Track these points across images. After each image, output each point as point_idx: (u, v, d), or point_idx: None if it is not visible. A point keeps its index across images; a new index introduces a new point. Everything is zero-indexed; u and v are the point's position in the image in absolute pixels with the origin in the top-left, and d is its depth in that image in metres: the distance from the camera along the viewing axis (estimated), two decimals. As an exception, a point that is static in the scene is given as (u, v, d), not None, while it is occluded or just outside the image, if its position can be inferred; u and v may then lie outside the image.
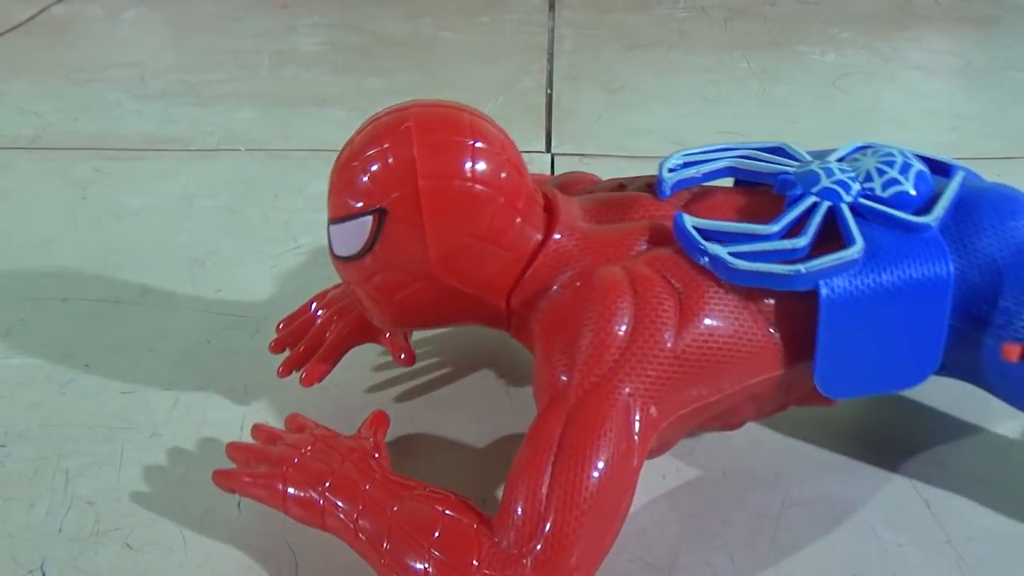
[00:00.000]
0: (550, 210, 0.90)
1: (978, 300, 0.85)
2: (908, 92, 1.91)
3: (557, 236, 0.87)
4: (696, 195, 0.94)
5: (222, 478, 0.84)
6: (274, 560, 0.86)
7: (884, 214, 0.85)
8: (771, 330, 0.83)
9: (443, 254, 0.83)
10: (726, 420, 0.92)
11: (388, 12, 2.43)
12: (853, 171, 0.88)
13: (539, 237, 0.87)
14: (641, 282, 0.82)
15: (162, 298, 1.24)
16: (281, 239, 1.38)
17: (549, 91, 1.92)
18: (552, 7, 2.46)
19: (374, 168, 0.82)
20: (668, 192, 0.91)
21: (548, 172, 1.58)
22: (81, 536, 0.88)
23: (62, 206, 1.48)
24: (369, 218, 0.82)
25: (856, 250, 0.81)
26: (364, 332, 1.02)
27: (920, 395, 1.05)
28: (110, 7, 2.50)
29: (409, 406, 1.05)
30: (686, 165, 0.94)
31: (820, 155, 0.94)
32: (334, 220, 0.85)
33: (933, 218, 0.84)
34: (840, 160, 0.92)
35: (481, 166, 0.83)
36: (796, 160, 0.94)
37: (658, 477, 0.95)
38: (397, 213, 0.82)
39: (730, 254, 0.81)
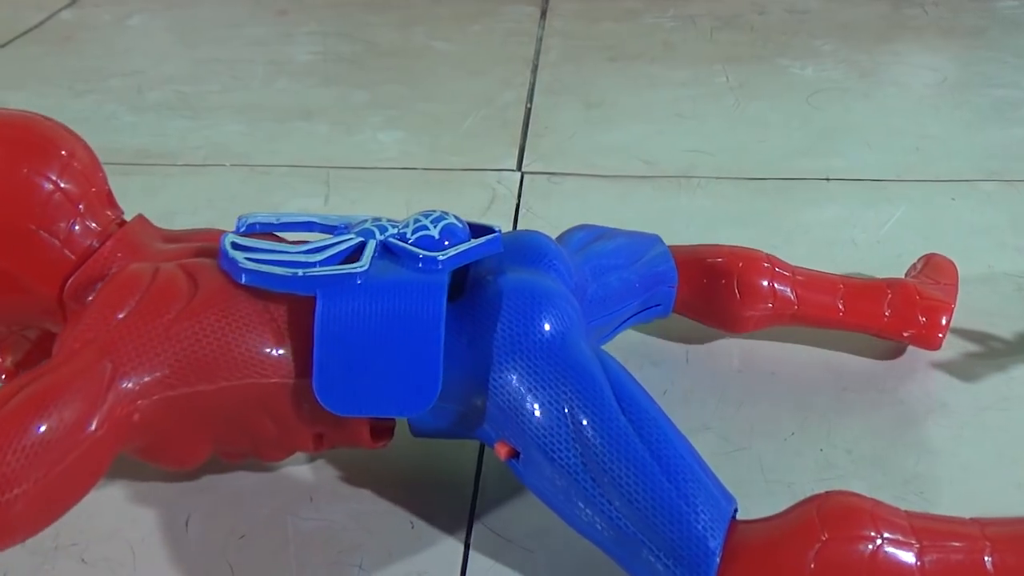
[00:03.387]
0: (120, 224, 0.98)
1: (478, 388, 0.90)
2: (879, 109, 1.95)
3: (115, 239, 0.95)
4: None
5: None
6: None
7: (404, 250, 0.92)
8: (279, 338, 0.89)
9: None
10: (256, 441, 0.95)
11: (383, 20, 2.49)
12: (400, 221, 0.97)
13: (96, 242, 0.94)
14: (162, 273, 0.90)
15: (138, 316, 1.32)
16: (254, 259, 1.45)
17: (528, 105, 1.98)
18: (544, 15, 2.51)
19: None
20: (242, 228, 0.98)
21: (516, 191, 1.64)
22: (41, 550, 0.96)
23: (52, 222, 1.57)
24: None
25: (356, 267, 0.88)
26: None
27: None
28: (116, 13, 2.58)
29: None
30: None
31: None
32: None
33: (442, 254, 0.91)
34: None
35: (42, 163, 0.92)
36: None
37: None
38: None
39: (246, 259, 0.89)
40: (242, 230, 0.98)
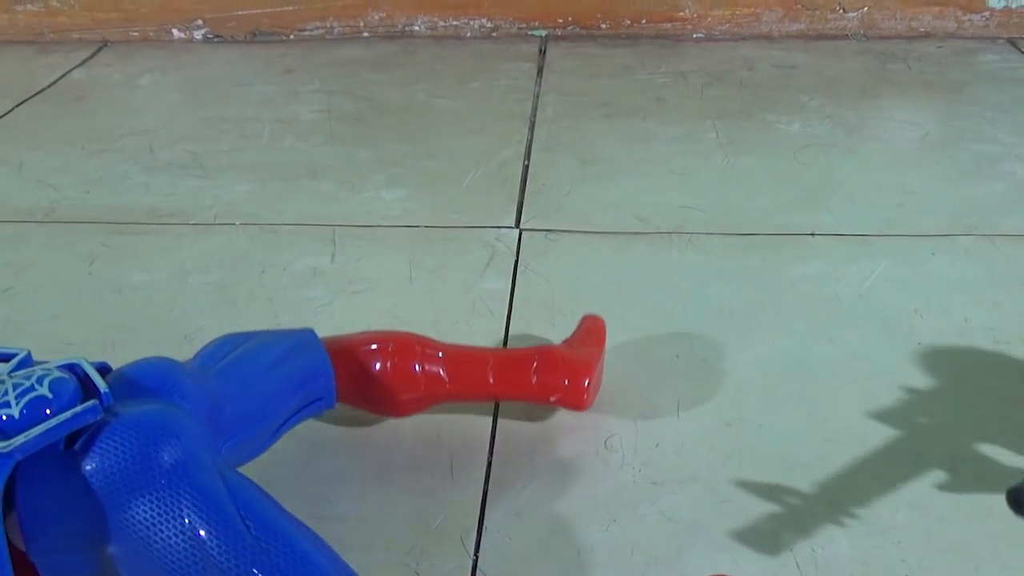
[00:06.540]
0: None
1: (105, 531, 0.90)
2: (863, 165, 2.03)
3: None
4: None
5: None
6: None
7: None
8: None
9: None
10: None
11: (386, 78, 2.57)
12: (9, 382, 0.92)
13: None
14: None
15: (154, 374, 1.39)
16: (263, 316, 1.52)
17: (526, 162, 2.06)
18: (540, 72, 2.60)
19: None
20: None
21: (515, 248, 1.71)
22: None
23: (70, 281, 1.64)
24: None
25: None
26: None
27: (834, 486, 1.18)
28: (127, 72, 2.67)
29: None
30: None
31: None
32: None
33: (6, 446, 0.86)
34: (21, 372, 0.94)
35: None
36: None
37: (573, 553, 1.08)
38: None
39: None
40: None
